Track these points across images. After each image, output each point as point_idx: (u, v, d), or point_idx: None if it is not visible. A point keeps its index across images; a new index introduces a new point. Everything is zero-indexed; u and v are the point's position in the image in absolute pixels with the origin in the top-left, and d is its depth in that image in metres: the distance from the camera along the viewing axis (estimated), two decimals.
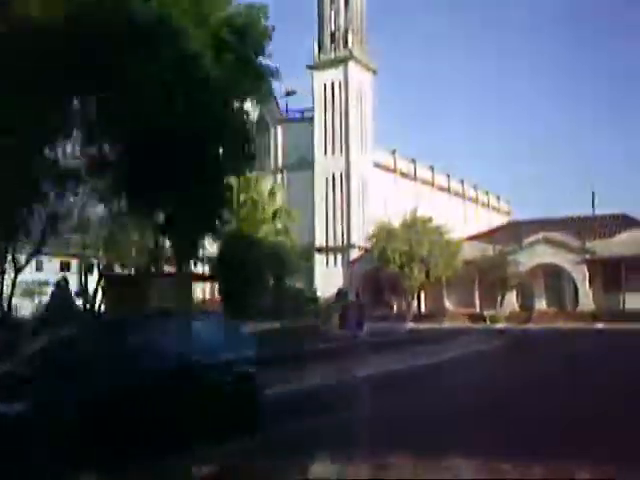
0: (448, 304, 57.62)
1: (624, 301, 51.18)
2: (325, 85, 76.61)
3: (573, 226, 55.72)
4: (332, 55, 76.64)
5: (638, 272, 51.97)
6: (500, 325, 49.27)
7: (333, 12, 78.09)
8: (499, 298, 52.75)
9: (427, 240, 52.55)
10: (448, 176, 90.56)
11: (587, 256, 52.18)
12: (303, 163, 76.64)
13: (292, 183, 77.73)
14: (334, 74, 76.20)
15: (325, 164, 75.67)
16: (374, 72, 78.77)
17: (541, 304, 54.87)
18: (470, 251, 55.10)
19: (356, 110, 75.81)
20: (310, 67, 77.23)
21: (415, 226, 53.89)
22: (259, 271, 34.35)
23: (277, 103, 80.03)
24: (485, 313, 53.41)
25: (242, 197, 36.75)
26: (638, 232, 52.29)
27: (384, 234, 55.06)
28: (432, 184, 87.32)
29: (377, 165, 78.29)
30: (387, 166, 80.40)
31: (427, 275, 52.67)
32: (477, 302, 55.46)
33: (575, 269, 52.41)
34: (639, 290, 51.76)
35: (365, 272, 60.28)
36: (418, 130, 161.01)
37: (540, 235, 54.02)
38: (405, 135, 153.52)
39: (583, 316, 49.54)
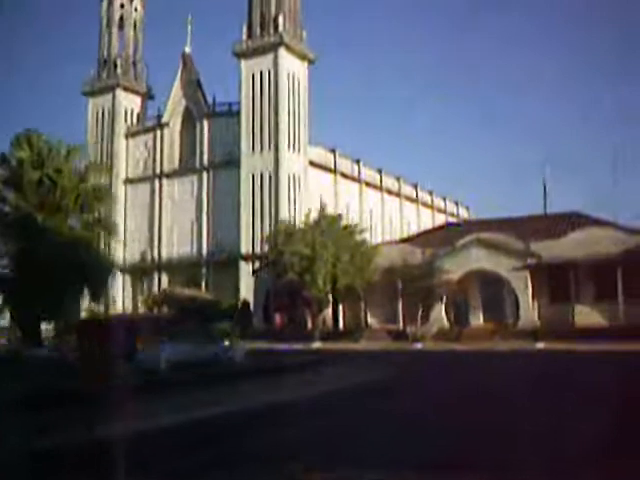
0: (371, 320, 47.75)
1: (573, 315, 41.43)
2: (253, 75, 67.33)
3: (520, 227, 46.13)
4: (261, 42, 66.85)
5: (591, 278, 42.28)
6: (420, 345, 39.47)
7: None
8: (420, 312, 42.85)
9: (332, 242, 42.60)
10: (398, 179, 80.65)
11: (530, 260, 42.49)
12: (231, 161, 67.09)
13: (218, 183, 68.45)
14: (263, 62, 67.01)
15: (252, 162, 66.33)
16: (310, 62, 69.29)
17: (477, 319, 45.18)
18: (397, 256, 45.28)
19: (288, 102, 66.46)
20: (237, 55, 67.76)
21: (320, 226, 43.93)
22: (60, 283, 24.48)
23: (204, 95, 70.87)
24: (409, 330, 43.47)
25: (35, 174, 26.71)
26: (591, 230, 42.51)
27: (282, 236, 45.12)
28: (380, 187, 77.36)
29: (313, 164, 68.51)
30: (325, 165, 70.61)
31: (334, 283, 42.80)
32: (400, 317, 45.56)
33: (515, 276, 42.74)
34: (592, 301, 42.03)
35: (272, 282, 50.29)
36: (366, 129, 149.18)
37: (474, 236, 44.22)
38: (351, 133, 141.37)
39: (525, 333, 39.52)
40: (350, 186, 74.01)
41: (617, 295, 40.55)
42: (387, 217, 77.20)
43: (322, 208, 47.47)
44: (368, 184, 76.91)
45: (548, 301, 43.40)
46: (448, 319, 44.83)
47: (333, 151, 72.09)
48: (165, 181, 72.34)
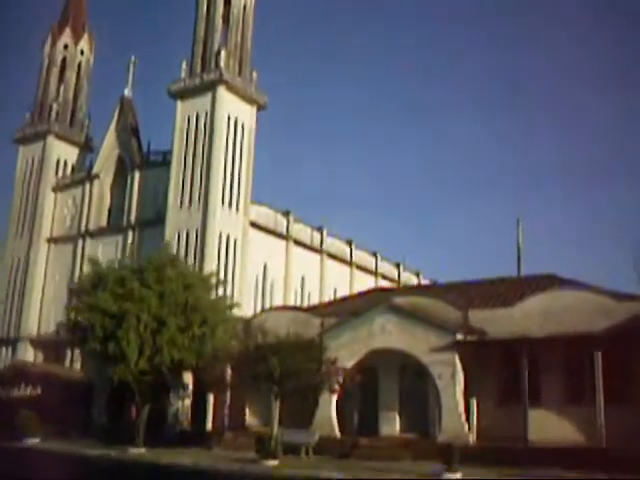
0: (250, 419, 31.29)
1: (526, 425, 24.46)
2: (189, 117, 53.16)
3: (470, 291, 30.03)
4: (200, 80, 53.21)
5: (558, 367, 25.61)
6: (270, 464, 23.04)
7: (209, 30, 55.24)
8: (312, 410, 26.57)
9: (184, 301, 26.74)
10: (350, 243, 64.64)
11: (460, 337, 25.88)
12: (161, 218, 52.45)
13: (145, 243, 53.45)
14: (200, 103, 52.79)
15: (179, 218, 51.58)
16: (260, 107, 55.03)
17: (390, 426, 28.40)
18: (284, 327, 29.03)
19: (226, 151, 51.94)
20: (173, 95, 54.01)
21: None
22: None
23: (139, 143, 57.03)
24: (287, 438, 26.88)
25: None
26: (561, 294, 26.04)
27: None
28: (329, 253, 61.41)
29: (258, 226, 53.37)
30: (276, 230, 55.43)
31: (151, 360, 26.60)
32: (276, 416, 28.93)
33: (436, 361, 26.03)
34: (559, 404, 25.20)
35: None
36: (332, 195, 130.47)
37: (385, 302, 28.01)
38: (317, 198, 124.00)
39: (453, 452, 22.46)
40: (306, 255, 58.38)
41: (595, 395, 23.57)
42: (344, 289, 60.42)
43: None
44: (332, 255, 61.13)
45: (493, 401, 26.46)
46: (342, 424, 28.05)
47: (287, 214, 56.92)
48: (89, 241, 58.06)
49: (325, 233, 61.16)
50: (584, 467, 21.58)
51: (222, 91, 52.74)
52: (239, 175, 53.10)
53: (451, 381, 25.53)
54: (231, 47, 55.06)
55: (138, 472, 22.75)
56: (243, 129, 54.15)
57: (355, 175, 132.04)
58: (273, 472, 22.70)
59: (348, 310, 30.32)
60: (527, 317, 26.29)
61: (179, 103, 54.24)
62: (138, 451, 27.26)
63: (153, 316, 26.47)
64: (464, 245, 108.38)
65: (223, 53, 53.56)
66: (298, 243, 57.64)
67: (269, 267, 54.68)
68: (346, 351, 27.45)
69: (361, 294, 35.01)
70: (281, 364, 24.39)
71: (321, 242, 60.74)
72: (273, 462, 24.12)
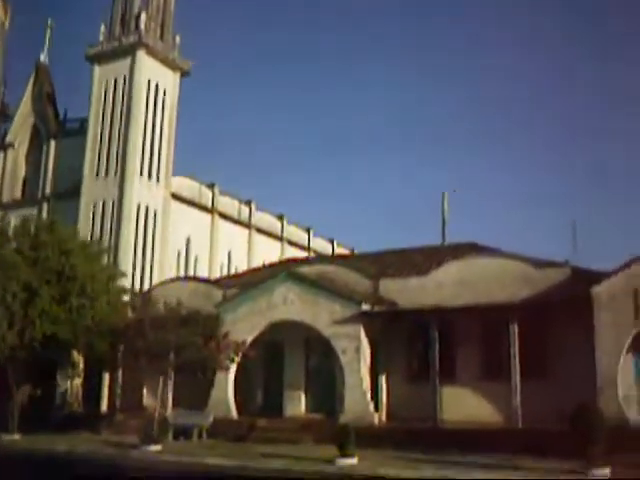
0: (147, 399, 27.95)
1: (440, 404, 21.75)
2: (107, 83, 49.01)
3: (385, 261, 27.16)
4: (118, 43, 49.11)
5: (474, 339, 22.93)
6: (154, 448, 19.91)
7: None
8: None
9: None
10: (282, 218, 61.57)
11: (366, 307, 22.94)
12: (77, 189, 48.34)
13: (62, 217, 48.88)
14: (119, 68, 48.83)
15: (95, 189, 47.70)
16: (184, 73, 51.22)
17: (296, 406, 25.38)
18: (186, 298, 25.70)
19: (145, 118, 48.07)
20: (90, 59, 49.82)
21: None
22: None
23: (56, 111, 52.65)
24: (181, 420, 23.73)
25: None
26: (476, 261, 23.36)
27: None
28: (258, 228, 58.26)
29: (180, 198, 49.73)
30: (200, 203, 51.87)
31: (21, 334, 23.12)
32: (168, 396, 25.71)
33: (340, 334, 23.05)
34: (475, 379, 22.53)
35: None
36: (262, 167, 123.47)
37: (285, 270, 24.97)
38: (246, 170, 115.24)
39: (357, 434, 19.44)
40: (234, 229, 55.05)
41: (510, 370, 20.91)
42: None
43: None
44: (260, 230, 57.89)
45: (404, 378, 23.69)
46: (244, 404, 24.98)
47: (212, 186, 53.41)
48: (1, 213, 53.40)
49: (254, 207, 57.89)
50: (497, 449, 19.01)
51: (142, 55, 48.98)
52: (160, 144, 49.50)
53: (355, 356, 22.61)
54: (152, 10, 51.33)
55: None
56: (165, 96, 50.44)
57: (289, 148, 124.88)
58: (144, 459, 19.59)
59: (254, 282, 27.17)
60: (441, 286, 23.51)
61: (97, 68, 50.35)
62: (11, 438, 23.79)
63: (23, 285, 22.96)
64: (397, 219, 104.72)
65: (143, 16, 49.80)
66: (224, 217, 54.27)
67: (193, 241, 51.32)
68: (245, 324, 24.31)
69: (272, 265, 31.90)
70: (161, 339, 21.20)
71: (250, 216, 57.47)
72: (155, 447, 20.96)
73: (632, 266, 20.62)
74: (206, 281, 31.62)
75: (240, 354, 23.90)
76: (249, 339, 24.34)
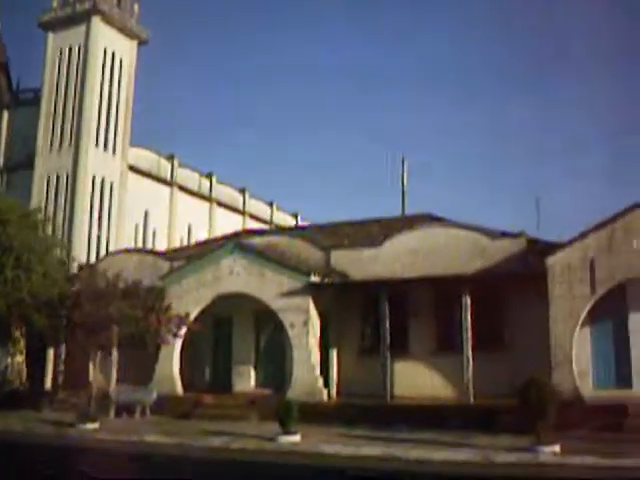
0: (92, 376, 26.56)
1: (392, 380, 20.82)
2: (61, 51, 46.99)
3: (341, 232, 26.01)
4: (73, 9, 47.03)
5: (427, 311, 22.02)
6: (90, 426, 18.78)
7: None
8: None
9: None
10: (244, 192, 60.22)
11: (315, 279, 21.84)
12: (33, 161, 46.46)
13: (10, 190, 47.18)
14: (73, 36, 46.81)
15: (49, 161, 45.95)
16: (142, 42, 49.44)
17: (245, 381, 24.29)
18: (133, 269, 24.50)
19: (101, 87, 46.33)
20: (43, 26, 47.71)
21: None
22: None
23: (9, 80, 50.48)
24: (124, 397, 22.55)
25: None
26: (430, 231, 22.37)
27: None
28: (219, 202, 56.70)
29: (139, 171, 48.11)
30: (159, 175, 50.25)
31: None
32: (114, 372, 24.52)
33: (288, 307, 21.98)
34: (428, 353, 21.70)
35: None
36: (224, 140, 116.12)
37: (233, 241, 23.84)
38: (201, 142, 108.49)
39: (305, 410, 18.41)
40: (194, 203, 53.58)
41: (463, 344, 20.04)
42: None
43: None
44: (221, 204, 56.44)
45: (356, 353, 22.76)
46: (192, 380, 23.86)
47: (171, 158, 51.81)
48: None
49: (215, 180, 56.40)
50: (448, 425, 18.20)
51: (97, 22, 47.09)
52: (117, 115, 47.78)
53: (304, 329, 21.60)
54: None
55: None
56: (121, 65, 48.60)
57: (252, 120, 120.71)
58: (77, 437, 18.44)
59: (202, 253, 25.97)
60: (394, 257, 22.53)
61: (50, 35, 48.37)
62: None
63: None
64: (362, 191, 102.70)
65: None
66: (184, 189, 52.76)
67: (151, 214, 49.86)
68: (190, 297, 23.17)
69: (224, 237, 30.73)
70: (97, 311, 19.99)
71: (210, 189, 56.00)
72: (92, 425, 19.81)
73: (588, 236, 19.79)
74: (153, 252, 30.31)
75: (185, 328, 22.76)
76: (194, 312, 23.21)
